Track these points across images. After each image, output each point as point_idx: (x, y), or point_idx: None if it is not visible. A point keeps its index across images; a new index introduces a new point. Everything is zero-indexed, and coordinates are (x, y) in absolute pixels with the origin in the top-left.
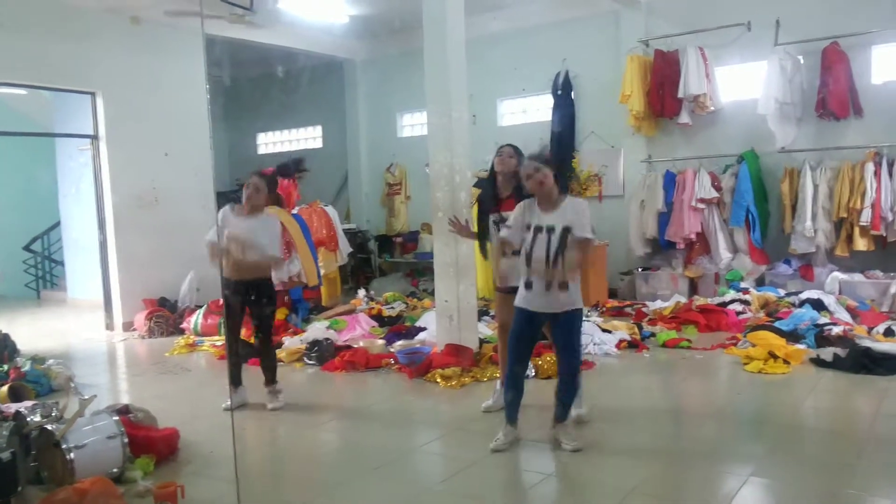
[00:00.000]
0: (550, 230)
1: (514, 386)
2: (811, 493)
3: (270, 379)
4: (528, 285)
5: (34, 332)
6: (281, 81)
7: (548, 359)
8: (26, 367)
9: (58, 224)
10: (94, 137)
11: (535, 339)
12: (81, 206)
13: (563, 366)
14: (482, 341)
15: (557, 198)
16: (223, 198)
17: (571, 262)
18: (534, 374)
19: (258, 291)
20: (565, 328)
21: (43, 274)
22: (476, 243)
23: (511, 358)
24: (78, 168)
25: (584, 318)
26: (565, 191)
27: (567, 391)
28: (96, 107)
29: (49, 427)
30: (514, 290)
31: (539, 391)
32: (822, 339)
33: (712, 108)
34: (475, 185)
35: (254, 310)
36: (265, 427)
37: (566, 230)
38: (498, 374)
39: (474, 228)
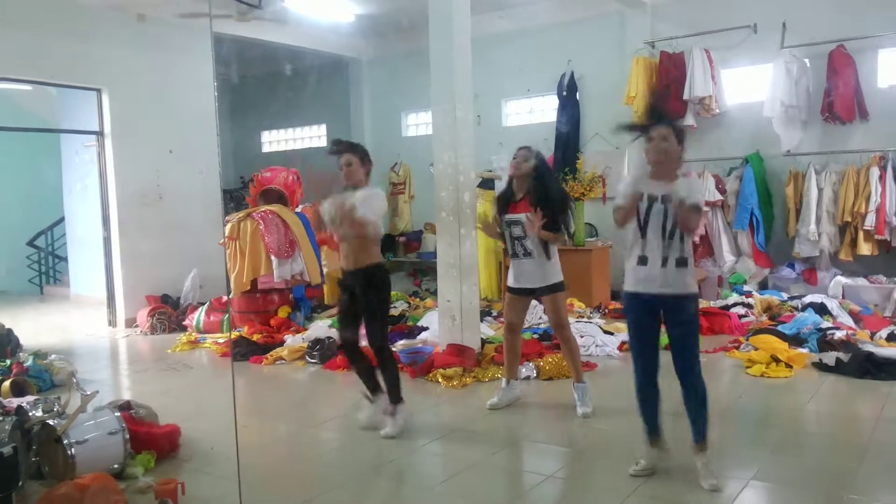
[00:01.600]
0: (663, 200)
1: (645, 398)
2: (813, 497)
3: (392, 398)
4: (643, 260)
5: (37, 328)
6: (286, 80)
7: (549, 359)
8: (29, 363)
9: (62, 220)
10: (100, 134)
11: (658, 332)
12: (86, 202)
13: (679, 368)
14: (484, 341)
15: (676, 171)
16: (228, 196)
17: (687, 219)
18: (535, 375)
19: (371, 280)
20: (682, 317)
21: (46, 270)
22: (482, 242)
23: (637, 367)
24: (83, 164)
25: (586, 320)
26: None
27: (691, 405)
28: (102, 103)
29: (51, 422)
30: (522, 290)
31: (541, 392)
32: (825, 343)
33: (717, 111)
34: (479, 185)
35: (365, 307)
36: (266, 425)
37: (681, 203)
38: (500, 374)
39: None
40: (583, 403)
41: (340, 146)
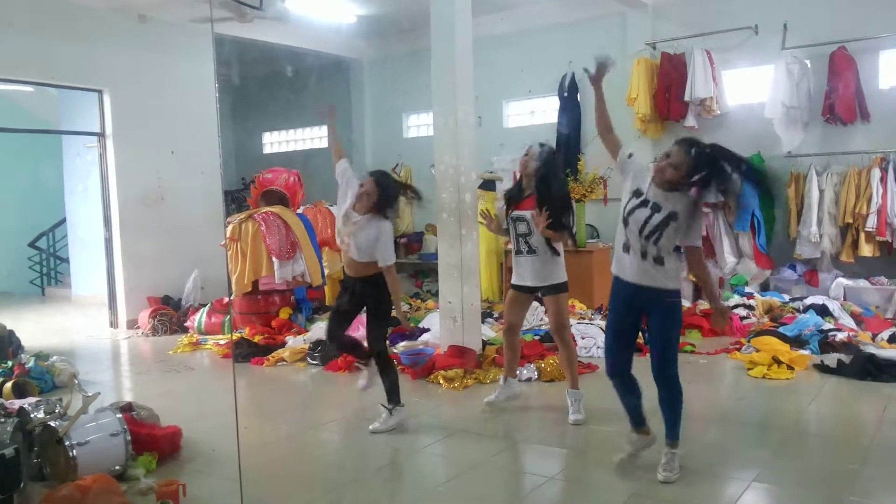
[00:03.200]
0: (656, 208)
1: (620, 385)
2: (814, 498)
3: (390, 400)
4: (626, 247)
5: (38, 329)
6: (287, 81)
7: (551, 361)
8: (30, 364)
9: (63, 221)
10: (101, 135)
11: (636, 324)
12: (87, 203)
13: (652, 365)
14: (485, 343)
15: (679, 187)
16: (229, 197)
17: (711, 285)
18: (536, 376)
19: (376, 286)
20: (659, 312)
21: (48, 271)
22: (484, 243)
23: (607, 352)
24: (84, 165)
25: (587, 322)
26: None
27: (663, 405)
28: (103, 104)
29: (52, 424)
30: (524, 288)
31: (542, 393)
32: (827, 345)
33: (719, 112)
34: (480, 187)
35: (369, 311)
36: (268, 426)
37: (671, 215)
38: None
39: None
40: (575, 410)
41: (375, 174)
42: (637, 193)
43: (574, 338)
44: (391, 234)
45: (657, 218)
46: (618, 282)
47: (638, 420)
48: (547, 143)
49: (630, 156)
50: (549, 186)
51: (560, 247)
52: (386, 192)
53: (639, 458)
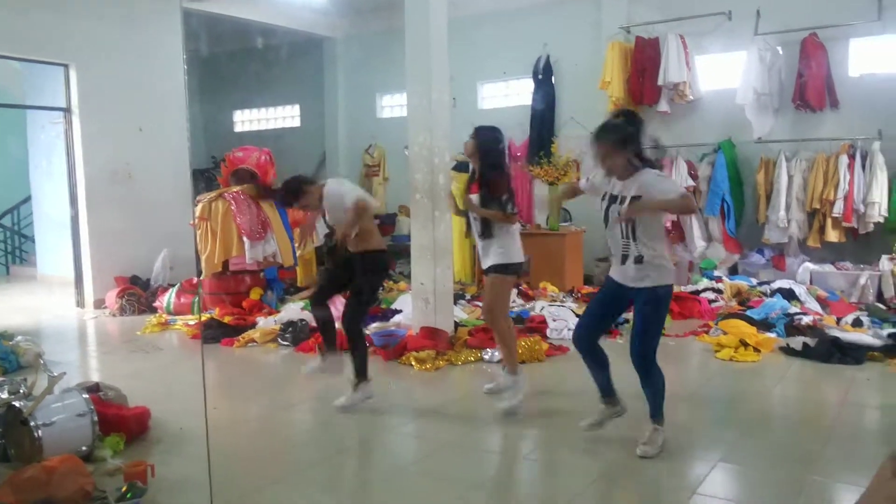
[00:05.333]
0: (621, 201)
1: (588, 356)
2: (778, 479)
3: (358, 375)
4: (610, 254)
5: (3, 308)
6: (259, 58)
7: (522, 343)
8: None
9: (28, 198)
10: (67, 110)
11: (617, 308)
12: (53, 180)
13: (631, 352)
14: (457, 324)
15: (631, 171)
16: (198, 175)
17: (665, 203)
18: None
19: (368, 264)
20: (640, 305)
21: (12, 249)
22: (457, 225)
23: (583, 314)
24: (49, 141)
25: (559, 304)
26: (646, 164)
27: (644, 389)
28: (69, 79)
29: (17, 404)
30: (485, 270)
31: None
32: (793, 328)
33: (691, 98)
34: (454, 168)
35: (355, 288)
36: (237, 407)
37: (633, 198)
38: (473, 357)
39: (461, 206)
40: (508, 397)
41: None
42: (605, 197)
43: (545, 320)
44: (342, 185)
45: (622, 206)
46: (609, 280)
47: (607, 391)
48: (493, 126)
49: (588, 179)
50: (483, 166)
51: (500, 229)
52: (300, 190)
53: (605, 428)
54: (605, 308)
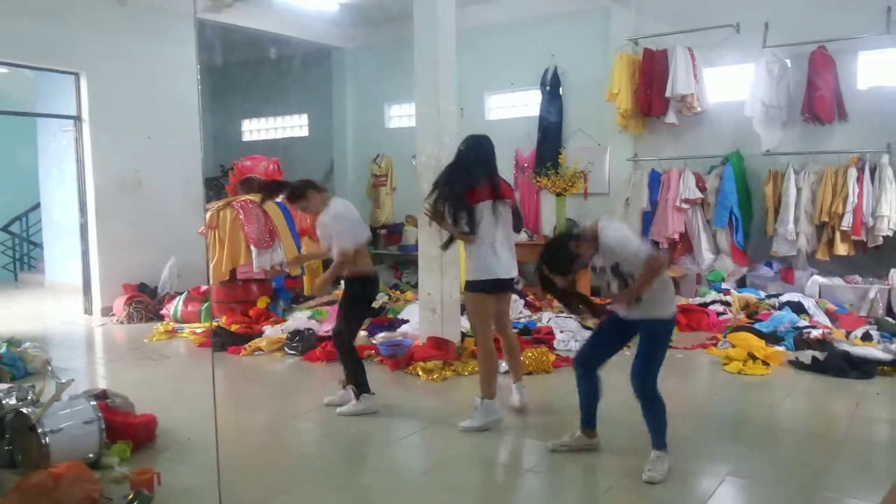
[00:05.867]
0: (603, 270)
1: (583, 378)
2: (787, 493)
3: (356, 387)
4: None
5: (11, 315)
6: (268, 67)
7: (528, 354)
8: (2, 350)
9: (37, 206)
10: (77, 118)
11: (617, 343)
12: (63, 188)
13: (631, 378)
14: (464, 335)
15: (591, 252)
16: (208, 184)
17: (644, 278)
18: None
19: (347, 288)
20: (643, 335)
21: (21, 256)
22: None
23: (588, 339)
24: (60, 149)
25: (566, 316)
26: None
27: (644, 415)
28: (80, 87)
29: (25, 410)
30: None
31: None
32: (802, 341)
33: (699, 109)
34: None
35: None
36: (244, 416)
37: (615, 267)
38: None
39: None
40: (473, 417)
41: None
42: (599, 273)
43: (552, 331)
44: (337, 211)
45: (612, 276)
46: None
47: (588, 421)
48: (473, 136)
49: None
50: (448, 178)
51: (468, 246)
52: (302, 191)
53: (580, 453)
54: (610, 338)
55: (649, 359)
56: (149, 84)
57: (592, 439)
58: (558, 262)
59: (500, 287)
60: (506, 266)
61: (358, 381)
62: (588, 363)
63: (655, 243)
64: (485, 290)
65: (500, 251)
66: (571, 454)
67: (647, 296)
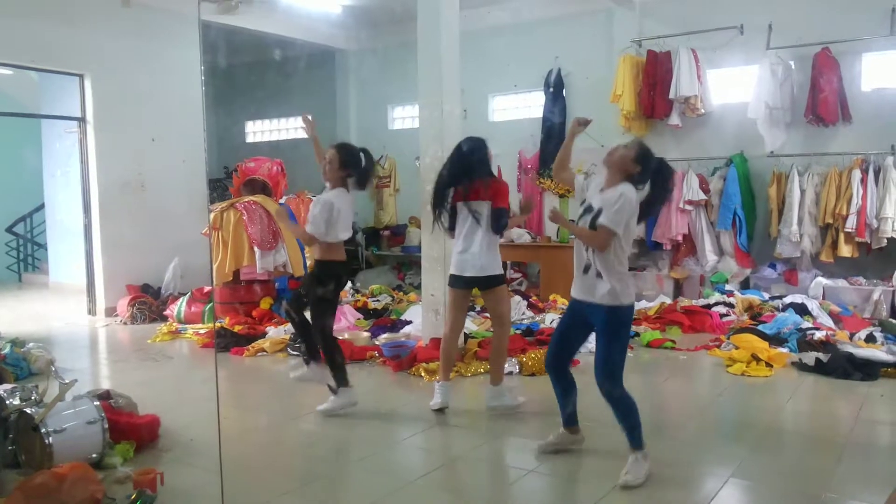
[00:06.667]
0: (589, 209)
1: (555, 381)
2: (791, 495)
3: (335, 380)
4: (576, 265)
5: (15, 316)
6: (272, 69)
7: (532, 356)
8: (6, 350)
9: (42, 206)
10: (82, 120)
11: (580, 335)
12: (67, 188)
13: (596, 377)
14: (467, 336)
15: (616, 182)
16: (211, 185)
17: (581, 232)
18: (518, 370)
19: (311, 276)
20: (599, 326)
21: (25, 256)
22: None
23: (551, 340)
24: (64, 150)
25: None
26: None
27: (616, 416)
28: (84, 89)
29: (28, 411)
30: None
31: (523, 387)
32: (805, 343)
33: (703, 111)
34: None
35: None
36: (246, 416)
37: (598, 211)
38: (483, 370)
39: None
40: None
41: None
42: (582, 203)
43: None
44: (316, 203)
45: (587, 218)
46: (571, 300)
47: (570, 419)
48: (468, 138)
49: (586, 176)
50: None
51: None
52: (347, 159)
53: (566, 451)
54: (569, 331)
55: (609, 350)
56: (153, 85)
57: (576, 435)
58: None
59: (467, 283)
60: (476, 264)
61: (336, 374)
62: (557, 364)
63: (658, 244)
64: (449, 284)
65: (472, 249)
66: (574, 456)
67: (609, 273)
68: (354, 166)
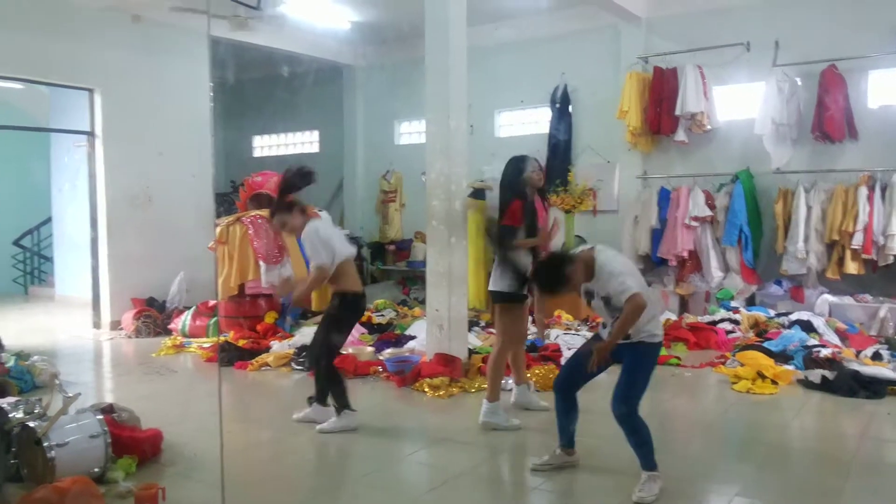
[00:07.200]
0: (592, 295)
1: (561, 401)
2: None
3: (335, 404)
4: (602, 325)
5: (21, 328)
6: (280, 84)
7: (537, 371)
8: (10, 363)
9: (49, 220)
10: (91, 134)
11: (593, 372)
12: (74, 202)
13: (613, 400)
14: (471, 352)
15: (587, 275)
16: (218, 199)
17: (622, 326)
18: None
19: (330, 306)
20: (630, 356)
21: (31, 270)
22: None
23: (568, 361)
24: (72, 164)
25: (574, 332)
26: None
27: (629, 440)
28: (94, 103)
29: (31, 424)
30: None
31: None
32: (811, 360)
33: (709, 127)
34: (470, 195)
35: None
36: (250, 431)
37: (606, 299)
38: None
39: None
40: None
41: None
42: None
43: (560, 348)
44: (310, 233)
45: (600, 303)
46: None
47: (566, 441)
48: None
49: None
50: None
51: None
52: (278, 210)
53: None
54: (589, 361)
55: (631, 382)
56: (162, 100)
57: (571, 456)
58: (548, 281)
59: (492, 297)
60: (493, 279)
61: (339, 398)
62: (566, 387)
63: (664, 260)
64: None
65: (495, 266)
66: (577, 473)
67: (634, 331)
68: (286, 197)
